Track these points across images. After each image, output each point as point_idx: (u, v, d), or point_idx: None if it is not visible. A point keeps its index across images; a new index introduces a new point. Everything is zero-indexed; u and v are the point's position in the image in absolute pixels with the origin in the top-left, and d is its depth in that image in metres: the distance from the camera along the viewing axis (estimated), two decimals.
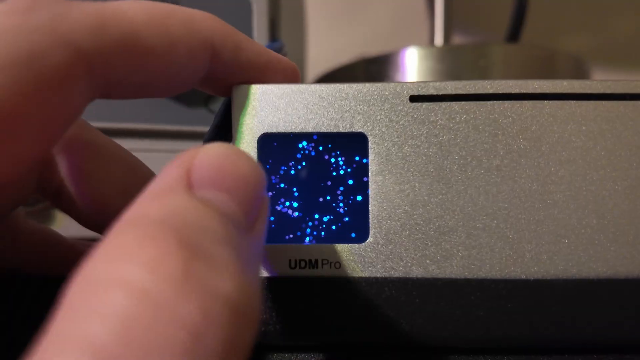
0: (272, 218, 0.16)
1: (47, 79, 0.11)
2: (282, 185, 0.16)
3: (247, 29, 0.25)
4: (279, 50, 0.23)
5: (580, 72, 0.34)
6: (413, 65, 0.31)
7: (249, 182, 0.11)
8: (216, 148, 0.11)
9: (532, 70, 0.32)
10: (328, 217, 0.16)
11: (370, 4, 0.53)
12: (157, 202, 0.10)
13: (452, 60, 0.31)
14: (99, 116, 0.28)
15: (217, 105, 0.17)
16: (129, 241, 0.09)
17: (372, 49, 0.45)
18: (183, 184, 0.11)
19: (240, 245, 0.10)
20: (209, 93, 0.17)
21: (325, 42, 0.50)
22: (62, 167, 0.15)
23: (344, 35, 0.53)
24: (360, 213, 0.16)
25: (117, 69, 0.13)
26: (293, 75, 0.17)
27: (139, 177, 0.16)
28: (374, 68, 0.32)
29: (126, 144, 0.16)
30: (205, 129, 0.17)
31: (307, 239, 0.16)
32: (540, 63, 0.32)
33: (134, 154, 0.17)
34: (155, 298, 0.08)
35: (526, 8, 0.34)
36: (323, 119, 0.16)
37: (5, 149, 0.11)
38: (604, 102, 0.16)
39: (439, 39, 0.38)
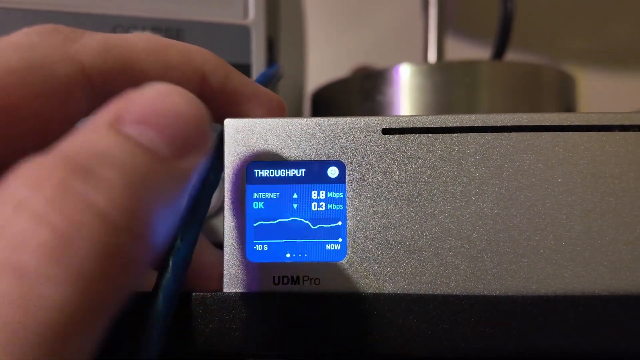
0: (259, 239, 0.18)
1: (50, 85, 0.14)
2: (268, 208, 0.18)
3: (246, 53, 0.27)
4: (275, 74, 0.24)
5: (565, 86, 0.35)
6: (405, 81, 0.33)
7: (178, 117, 0.12)
8: (151, 87, 0.13)
9: (518, 85, 0.33)
10: (310, 237, 0.17)
11: (368, 17, 0.55)
12: (70, 137, 0.12)
13: (440, 77, 0.32)
14: None
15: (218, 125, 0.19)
16: (27, 168, 0.11)
17: (371, 60, 0.47)
18: (105, 122, 0.12)
19: (148, 172, 0.11)
20: None
21: (324, 56, 0.52)
22: None
23: (342, 47, 0.54)
24: (338, 233, 0.17)
25: (115, 86, 0.15)
26: (279, 108, 0.18)
27: None
28: (368, 83, 0.34)
29: None
30: None
31: (290, 257, 0.17)
32: (525, 78, 0.33)
33: None
34: (30, 208, 0.10)
35: (510, 29, 0.35)
36: (305, 149, 0.17)
37: (7, 133, 0.14)
38: (560, 133, 0.17)
39: (432, 55, 0.40)
